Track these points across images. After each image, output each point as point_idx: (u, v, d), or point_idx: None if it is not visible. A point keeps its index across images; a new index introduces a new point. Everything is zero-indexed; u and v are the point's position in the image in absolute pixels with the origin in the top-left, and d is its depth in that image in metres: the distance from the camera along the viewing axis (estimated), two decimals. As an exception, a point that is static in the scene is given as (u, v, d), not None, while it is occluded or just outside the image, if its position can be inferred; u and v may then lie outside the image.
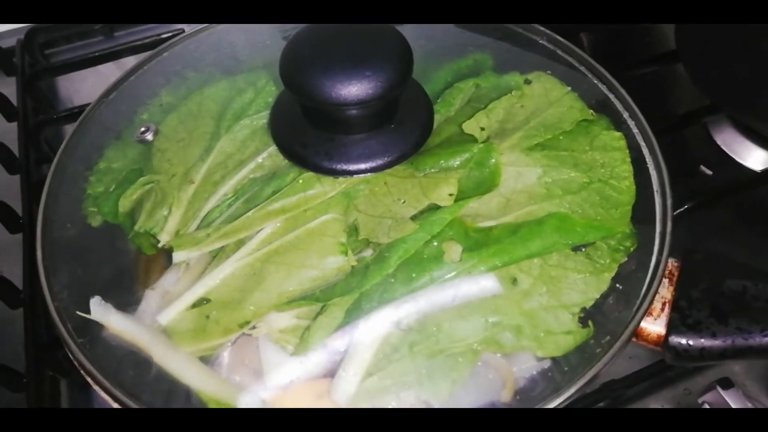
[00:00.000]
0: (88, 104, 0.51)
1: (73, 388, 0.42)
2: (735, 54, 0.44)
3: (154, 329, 0.29)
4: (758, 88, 0.44)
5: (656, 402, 0.39)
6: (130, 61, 0.57)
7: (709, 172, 0.51)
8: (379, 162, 0.31)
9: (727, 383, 0.35)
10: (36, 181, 0.49)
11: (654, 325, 0.29)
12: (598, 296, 0.30)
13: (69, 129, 0.55)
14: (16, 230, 0.47)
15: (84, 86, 0.60)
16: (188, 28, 0.57)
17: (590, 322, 0.30)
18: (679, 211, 0.42)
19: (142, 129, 0.35)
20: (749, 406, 0.34)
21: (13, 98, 0.55)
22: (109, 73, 0.58)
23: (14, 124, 0.54)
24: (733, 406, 0.34)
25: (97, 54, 0.56)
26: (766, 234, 0.46)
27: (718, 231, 0.47)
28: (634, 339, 0.30)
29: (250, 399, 0.29)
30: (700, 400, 0.36)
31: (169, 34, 0.57)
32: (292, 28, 0.41)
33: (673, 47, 0.52)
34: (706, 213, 0.45)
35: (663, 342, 0.29)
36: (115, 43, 0.63)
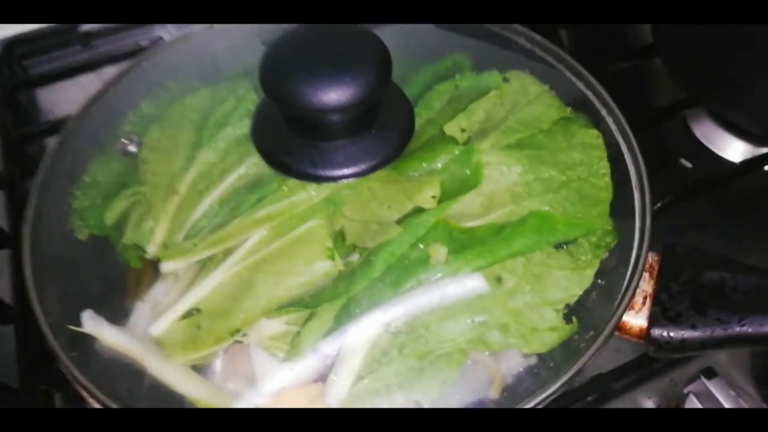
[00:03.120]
0: (69, 116, 0.51)
1: (67, 401, 0.42)
2: (712, 47, 0.45)
3: (147, 341, 0.29)
4: (735, 81, 0.45)
5: (643, 393, 0.39)
6: (109, 71, 0.57)
7: (689, 165, 0.52)
8: (362, 167, 0.31)
9: (710, 373, 0.36)
10: (20, 195, 0.49)
11: (636, 319, 0.30)
12: (581, 292, 0.31)
13: (52, 141, 0.56)
14: (2, 246, 0.47)
15: (64, 96, 0.60)
16: (166, 35, 0.58)
17: (574, 318, 0.30)
18: (659, 204, 0.43)
19: (125, 141, 0.35)
20: (732, 394, 0.35)
21: (-7, 111, 0.55)
22: (88, 82, 0.58)
23: (-5, 138, 0.54)
24: (717, 395, 0.35)
25: (76, 65, 0.56)
26: (746, 225, 0.47)
27: (700, 223, 0.47)
28: (617, 333, 0.30)
29: (244, 405, 0.29)
30: (685, 390, 0.37)
31: (147, 42, 0.57)
32: (270, 34, 0.42)
33: (650, 41, 0.53)
34: (688, 205, 0.46)
35: (645, 335, 0.30)
36: (93, 52, 0.63)
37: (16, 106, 0.56)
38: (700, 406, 0.35)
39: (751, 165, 0.47)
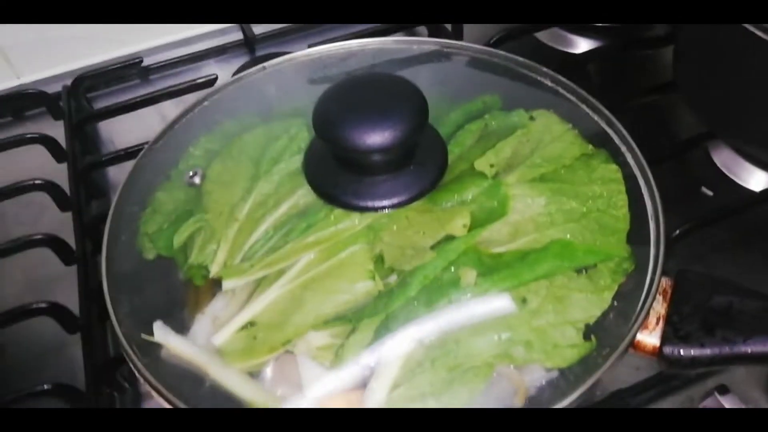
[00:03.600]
0: (130, 146, 0.56)
1: (125, 403, 0.46)
2: (729, 84, 0.48)
3: (209, 349, 0.33)
4: (751, 115, 0.47)
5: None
6: (165, 104, 0.63)
7: (710, 193, 0.54)
8: (400, 199, 0.35)
9: (723, 389, 0.38)
10: (86, 217, 0.54)
11: (650, 337, 0.33)
12: (599, 313, 0.34)
13: (112, 169, 0.61)
14: (70, 262, 0.52)
15: (122, 126, 0.65)
16: (221, 73, 0.63)
17: (593, 336, 0.33)
18: (678, 231, 0.45)
19: (191, 173, 0.40)
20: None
21: (61, 139, 0.61)
22: (144, 114, 0.63)
23: (63, 165, 0.59)
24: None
25: (138, 99, 0.61)
26: (761, 252, 0.49)
27: (718, 250, 0.50)
28: (632, 350, 0.33)
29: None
30: (700, 406, 0.39)
31: (204, 79, 0.62)
32: (317, 73, 0.47)
33: (672, 78, 0.56)
34: (707, 232, 0.48)
35: (658, 352, 0.32)
36: (150, 85, 0.69)
37: (83, 136, 0.61)
38: (715, 424, 0.37)
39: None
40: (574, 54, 0.63)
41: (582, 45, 0.65)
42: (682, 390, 0.42)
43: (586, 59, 0.61)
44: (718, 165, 0.55)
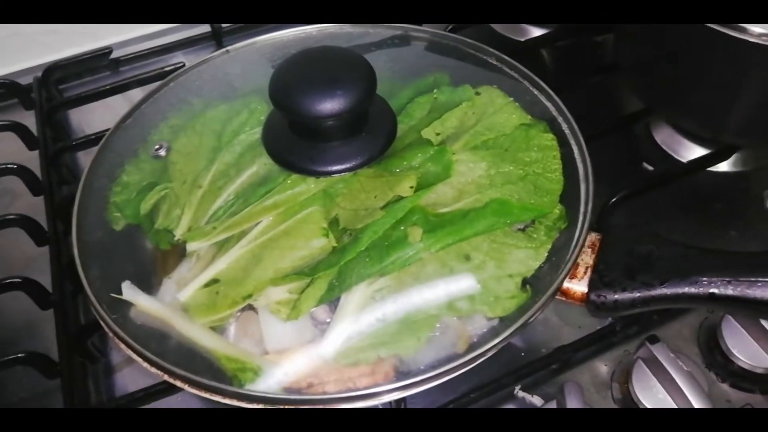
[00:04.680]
0: (100, 131, 0.58)
1: (97, 374, 0.48)
2: (663, 63, 0.51)
3: (175, 306, 0.36)
4: (683, 92, 0.51)
5: (600, 362, 0.45)
6: (133, 93, 0.64)
7: (651, 168, 0.58)
8: (352, 164, 0.38)
9: (653, 339, 0.42)
10: (58, 200, 0.56)
11: (578, 285, 0.36)
12: (536, 266, 0.37)
13: (82, 154, 0.63)
14: (42, 243, 0.54)
15: (93, 116, 0.67)
16: (188, 62, 0.65)
17: (528, 287, 0.36)
18: (614, 198, 0.49)
19: (157, 146, 0.42)
20: (672, 356, 0.41)
21: (33, 129, 0.62)
22: (114, 103, 0.65)
23: (35, 153, 0.61)
24: (660, 359, 0.41)
25: (107, 87, 0.63)
26: (695, 219, 0.53)
27: (656, 218, 0.53)
28: (563, 298, 0.36)
29: (254, 359, 0.35)
30: (635, 357, 0.43)
31: (171, 68, 0.64)
32: (279, 58, 0.49)
33: (613, 60, 0.59)
34: (647, 202, 0.52)
35: (585, 298, 0.35)
36: (120, 77, 0.70)
37: (53, 124, 0.63)
38: (647, 370, 0.41)
39: (695, 164, 0.53)
40: (524, 41, 0.67)
41: (534, 32, 0.69)
42: (621, 345, 0.46)
43: (536, 45, 0.64)
44: (659, 142, 0.59)
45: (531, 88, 0.46)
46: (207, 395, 0.33)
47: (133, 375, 0.48)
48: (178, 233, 0.38)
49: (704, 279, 0.33)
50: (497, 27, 0.70)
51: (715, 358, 0.43)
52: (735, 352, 0.42)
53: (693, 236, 0.51)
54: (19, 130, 0.61)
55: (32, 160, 0.60)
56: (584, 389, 0.42)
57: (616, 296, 0.34)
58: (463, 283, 0.37)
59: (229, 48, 0.49)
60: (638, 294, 0.34)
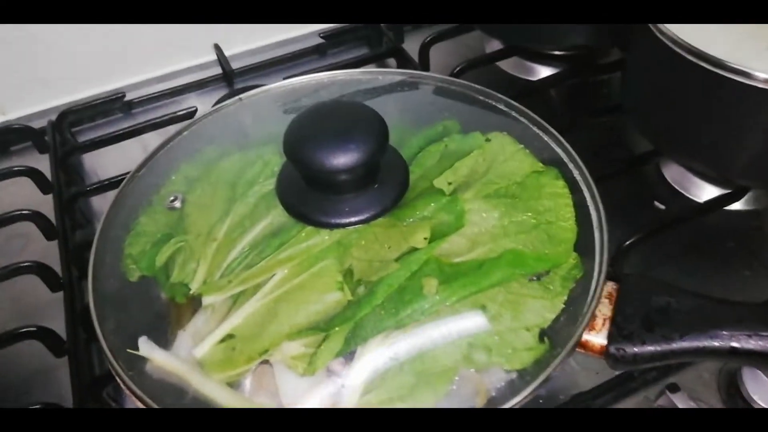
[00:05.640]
0: (113, 177, 0.59)
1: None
2: (668, 104, 0.52)
3: (190, 362, 0.36)
4: (690, 133, 0.51)
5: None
6: (148, 137, 0.65)
7: (662, 207, 0.58)
8: (366, 215, 0.38)
9: (674, 388, 0.41)
10: (72, 245, 0.57)
11: (597, 338, 0.36)
12: (552, 317, 0.37)
13: (96, 200, 0.63)
14: (57, 289, 0.54)
15: (107, 159, 0.68)
16: (201, 106, 0.66)
17: (546, 339, 0.36)
18: (630, 241, 0.49)
19: (171, 198, 0.42)
20: (693, 405, 0.40)
21: (47, 172, 0.63)
22: (128, 146, 0.66)
23: (49, 197, 0.62)
24: (680, 407, 0.40)
25: (122, 132, 0.64)
26: (709, 258, 0.53)
27: (670, 258, 0.53)
28: (582, 350, 0.36)
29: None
30: (655, 405, 0.42)
31: (184, 112, 0.65)
32: (289, 104, 0.50)
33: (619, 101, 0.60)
34: (659, 242, 0.52)
35: (605, 351, 0.35)
36: (132, 119, 0.72)
37: (67, 168, 0.64)
38: (667, 420, 0.40)
39: (710, 204, 0.53)
40: (534, 81, 0.67)
41: (542, 72, 0.69)
42: (640, 391, 0.45)
43: (545, 85, 0.65)
44: (669, 180, 0.59)
45: (540, 132, 0.46)
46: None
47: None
48: (194, 287, 0.38)
49: (724, 332, 0.33)
50: (505, 67, 0.71)
51: (736, 404, 0.43)
52: (756, 398, 0.41)
53: (707, 276, 0.51)
54: (34, 175, 0.62)
55: (45, 204, 0.61)
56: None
57: (635, 349, 0.34)
58: (479, 335, 0.36)
59: (242, 96, 0.50)
60: (658, 348, 0.34)
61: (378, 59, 0.74)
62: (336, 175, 0.36)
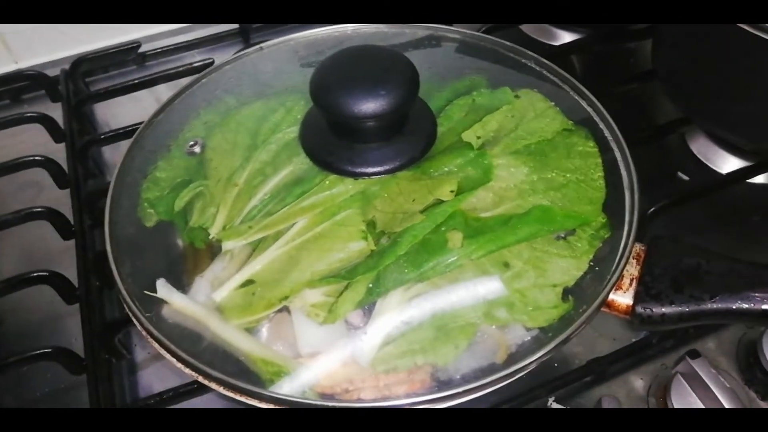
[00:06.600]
0: (127, 126, 0.58)
1: (121, 371, 0.48)
2: (704, 72, 0.50)
3: (209, 306, 0.35)
4: (725, 102, 0.50)
5: (636, 375, 0.44)
6: (161, 89, 0.64)
7: (686, 178, 0.57)
8: (391, 166, 0.37)
9: (694, 354, 0.41)
10: (85, 194, 0.56)
11: (623, 298, 0.35)
12: (578, 276, 0.36)
13: (107, 148, 0.63)
14: (68, 237, 0.53)
15: (119, 110, 0.67)
16: (215, 58, 0.65)
17: (570, 297, 0.35)
18: (653, 208, 0.48)
19: (191, 143, 0.41)
20: (714, 372, 0.39)
21: (59, 121, 0.62)
22: (141, 98, 0.65)
23: (62, 145, 0.61)
24: (701, 374, 0.40)
25: (135, 81, 0.62)
26: (733, 232, 0.52)
27: (692, 229, 0.52)
28: (607, 310, 0.35)
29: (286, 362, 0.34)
30: (673, 371, 0.41)
31: (200, 63, 0.63)
32: (308, 56, 0.48)
33: (651, 67, 0.58)
34: (681, 212, 0.51)
35: (631, 311, 0.34)
36: (146, 72, 0.70)
37: (80, 117, 0.63)
38: (686, 386, 0.40)
39: (735, 176, 0.52)
40: (558, 45, 0.66)
41: (565, 37, 0.68)
42: (657, 358, 0.45)
43: (569, 50, 0.63)
44: (694, 152, 0.58)
45: (570, 92, 0.45)
46: (242, 398, 0.32)
47: (157, 373, 0.47)
48: (213, 232, 0.37)
49: (756, 294, 0.32)
50: (528, 30, 0.69)
51: (755, 374, 0.42)
52: (776, 369, 0.41)
53: (730, 249, 0.49)
54: (47, 122, 0.61)
55: (58, 152, 0.60)
56: (620, 403, 0.41)
57: (663, 309, 0.33)
58: (502, 292, 0.36)
59: (263, 45, 0.48)
60: (687, 308, 0.33)
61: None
62: (364, 122, 0.35)
